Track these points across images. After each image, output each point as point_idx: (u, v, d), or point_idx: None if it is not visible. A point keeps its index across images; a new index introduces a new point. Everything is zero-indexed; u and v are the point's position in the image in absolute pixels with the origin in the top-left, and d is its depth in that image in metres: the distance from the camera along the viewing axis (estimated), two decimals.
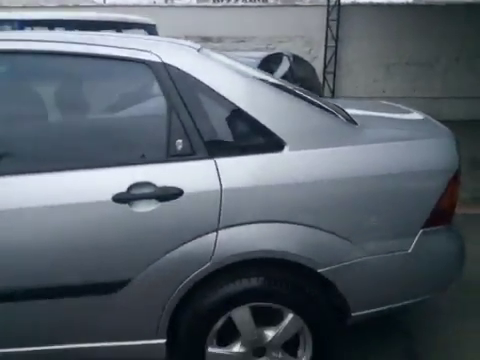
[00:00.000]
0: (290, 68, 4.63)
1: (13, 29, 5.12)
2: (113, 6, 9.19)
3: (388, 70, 8.10)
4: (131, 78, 1.79)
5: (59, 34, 2.17)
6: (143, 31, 6.38)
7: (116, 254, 1.63)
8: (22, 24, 5.16)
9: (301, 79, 4.52)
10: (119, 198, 1.60)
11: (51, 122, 1.85)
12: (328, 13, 7.89)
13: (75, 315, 1.68)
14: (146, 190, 1.61)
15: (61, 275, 1.63)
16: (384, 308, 1.87)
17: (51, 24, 5.80)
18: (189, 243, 1.63)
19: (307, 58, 6.20)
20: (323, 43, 8.00)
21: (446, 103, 7.77)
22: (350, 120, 1.92)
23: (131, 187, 1.61)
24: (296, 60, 5.01)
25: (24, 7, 8.05)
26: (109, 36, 1.83)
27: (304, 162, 1.70)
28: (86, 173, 1.63)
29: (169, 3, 11.74)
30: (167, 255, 1.63)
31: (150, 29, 6.41)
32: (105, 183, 1.62)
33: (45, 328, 1.71)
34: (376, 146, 1.78)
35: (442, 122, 2.14)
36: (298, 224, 1.67)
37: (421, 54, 7.88)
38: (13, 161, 1.71)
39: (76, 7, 8.51)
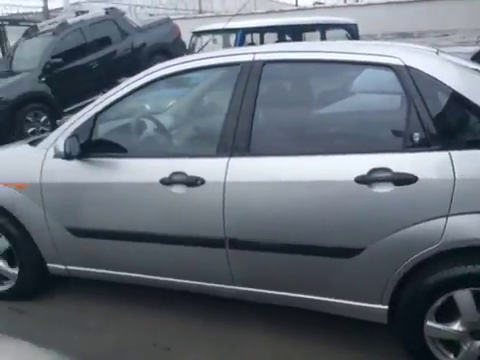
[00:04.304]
0: None
1: (237, 36, 6.15)
2: (313, 8, 9.70)
3: None
4: (378, 79, 2.09)
5: (332, 45, 2.50)
6: (344, 31, 6.69)
7: (355, 224, 1.94)
8: (244, 31, 6.14)
9: None
10: (360, 180, 1.91)
11: (315, 117, 2.28)
12: None
13: (317, 270, 2.06)
14: (384, 174, 1.88)
15: (312, 236, 2.02)
16: None
17: (266, 30, 6.63)
18: (419, 224, 1.84)
19: None
20: None
21: None
22: None
23: (371, 171, 1.90)
24: None
25: (237, 15, 9.14)
26: (361, 45, 2.16)
27: None
28: (335, 157, 1.99)
29: (366, 2, 11.76)
30: (398, 232, 1.87)
31: (351, 28, 6.67)
32: (349, 166, 1.94)
33: (292, 277, 2.13)
34: None
35: None
36: None
37: None
38: (291, 145, 2.17)
39: (281, 12, 9.29)
